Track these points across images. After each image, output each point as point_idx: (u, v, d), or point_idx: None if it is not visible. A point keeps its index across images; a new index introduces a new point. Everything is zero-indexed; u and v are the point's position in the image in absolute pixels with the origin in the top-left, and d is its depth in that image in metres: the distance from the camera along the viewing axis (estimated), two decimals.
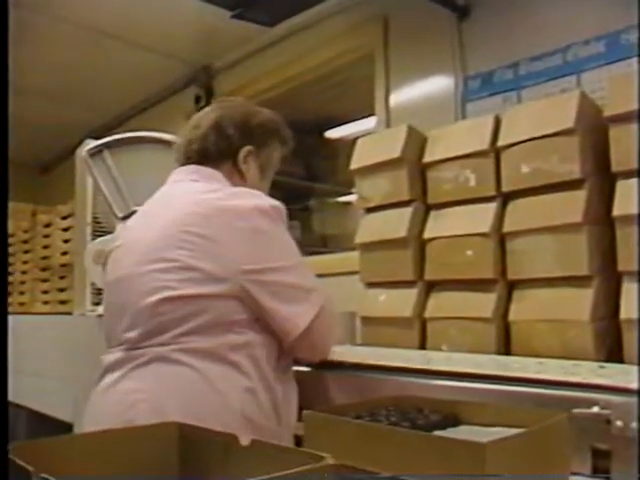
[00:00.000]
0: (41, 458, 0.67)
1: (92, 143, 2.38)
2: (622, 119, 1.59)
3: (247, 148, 1.65)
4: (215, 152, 1.63)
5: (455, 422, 1.11)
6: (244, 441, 0.77)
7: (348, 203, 4.12)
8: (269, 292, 1.41)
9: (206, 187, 1.53)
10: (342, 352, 1.77)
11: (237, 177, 1.64)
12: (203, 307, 1.36)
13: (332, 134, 4.48)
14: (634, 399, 1.08)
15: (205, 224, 1.39)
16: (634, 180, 1.57)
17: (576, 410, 1.12)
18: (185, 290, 1.35)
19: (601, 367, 1.41)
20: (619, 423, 1.08)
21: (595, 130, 1.68)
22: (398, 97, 3.01)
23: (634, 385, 1.12)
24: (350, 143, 2.40)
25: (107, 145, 2.35)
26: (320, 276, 1.61)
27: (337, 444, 0.75)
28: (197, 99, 4.12)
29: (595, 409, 1.11)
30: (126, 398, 1.34)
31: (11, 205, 4.58)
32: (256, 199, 1.49)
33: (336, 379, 1.71)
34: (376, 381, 1.62)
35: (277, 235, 1.48)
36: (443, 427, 1.06)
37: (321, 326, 1.48)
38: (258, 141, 1.68)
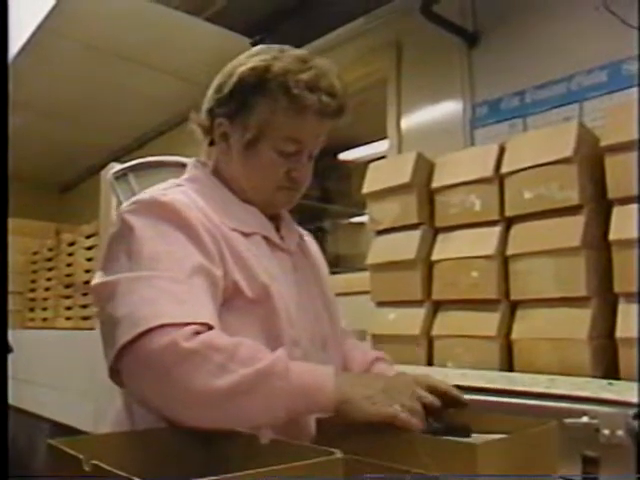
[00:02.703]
0: (84, 451, 0.76)
1: (117, 166, 2.48)
2: (617, 149, 1.69)
3: (218, 121, 1.21)
4: (200, 135, 1.28)
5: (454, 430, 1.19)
6: (264, 439, 0.86)
7: (361, 224, 4.20)
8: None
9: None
10: None
11: (228, 165, 1.23)
12: None
13: (346, 156, 4.58)
14: (620, 410, 1.17)
15: None
16: (629, 206, 1.66)
17: (568, 420, 1.21)
18: None
19: (610, 384, 1.49)
20: (606, 431, 1.17)
21: (593, 158, 1.78)
22: (409, 122, 3.11)
23: (620, 398, 1.21)
24: (363, 165, 2.50)
25: (131, 168, 2.44)
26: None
27: (345, 445, 0.84)
28: None
29: (585, 419, 1.20)
30: None
31: (35, 224, 4.73)
32: (133, 201, 1.12)
33: None
34: None
35: (113, 245, 1.07)
36: (444, 434, 1.15)
37: (133, 368, 0.94)
38: (236, 106, 1.18)
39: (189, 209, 1.08)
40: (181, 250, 1.03)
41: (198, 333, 0.93)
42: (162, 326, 0.91)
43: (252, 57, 1.18)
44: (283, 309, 1.11)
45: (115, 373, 0.97)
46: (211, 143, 1.25)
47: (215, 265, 1.05)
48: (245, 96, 1.17)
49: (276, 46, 1.21)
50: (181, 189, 1.15)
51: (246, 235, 1.15)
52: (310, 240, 1.41)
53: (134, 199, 1.11)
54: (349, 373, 1.16)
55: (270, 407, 0.92)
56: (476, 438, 1.14)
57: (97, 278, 1.05)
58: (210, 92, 1.24)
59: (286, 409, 0.93)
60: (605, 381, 1.55)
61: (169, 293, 0.96)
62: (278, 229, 1.26)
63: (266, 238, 1.20)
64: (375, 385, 0.99)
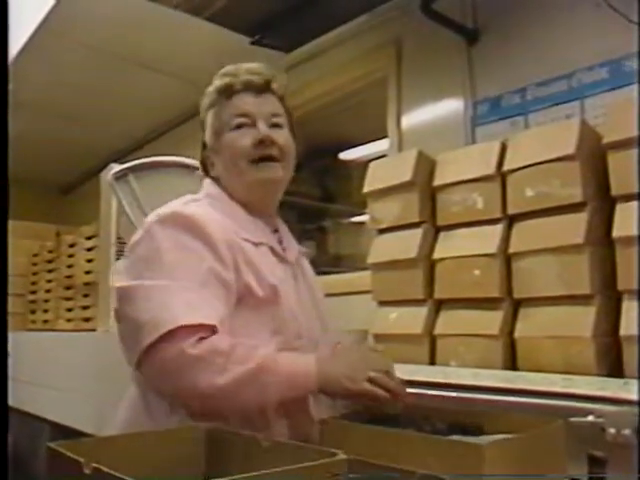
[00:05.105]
0: (84, 454, 0.75)
1: (117, 167, 2.47)
2: (620, 145, 1.67)
3: (204, 156, 1.46)
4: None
5: (461, 429, 1.18)
6: (265, 442, 0.86)
7: (362, 223, 4.19)
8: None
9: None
10: None
11: (221, 179, 1.43)
12: None
13: (346, 156, 4.57)
14: (625, 408, 1.16)
15: None
16: (633, 203, 1.65)
17: (573, 419, 1.20)
18: None
19: (626, 384, 1.47)
20: (612, 430, 1.16)
21: (595, 155, 1.76)
22: (410, 120, 3.10)
23: (628, 396, 1.20)
24: (364, 164, 2.48)
25: (131, 169, 2.43)
26: (334, 295, 1.55)
27: (349, 446, 0.83)
28: None
29: (590, 418, 1.19)
30: None
31: (35, 225, 4.72)
32: (157, 213, 1.29)
33: None
34: None
35: (136, 251, 1.25)
36: (449, 434, 1.14)
37: (151, 369, 1.14)
38: (205, 135, 1.44)
39: (207, 220, 1.24)
40: (196, 258, 1.19)
41: (202, 339, 1.11)
42: (180, 328, 1.09)
43: None
44: (288, 307, 1.29)
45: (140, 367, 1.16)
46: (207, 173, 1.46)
47: (228, 269, 1.21)
48: (204, 123, 1.42)
49: None
50: (198, 203, 1.32)
51: (255, 245, 1.32)
52: (305, 260, 1.57)
53: (159, 212, 1.27)
54: (328, 355, 1.31)
55: (263, 396, 1.13)
56: (483, 438, 1.13)
57: (120, 280, 1.22)
58: None
59: (276, 396, 1.14)
60: (622, 380, 1.53)
61: (183, 300, 1.14)
62: (281, 242, 1.43)
63: (272, 249, 1.36)
64: (352, 362, 1.21)
